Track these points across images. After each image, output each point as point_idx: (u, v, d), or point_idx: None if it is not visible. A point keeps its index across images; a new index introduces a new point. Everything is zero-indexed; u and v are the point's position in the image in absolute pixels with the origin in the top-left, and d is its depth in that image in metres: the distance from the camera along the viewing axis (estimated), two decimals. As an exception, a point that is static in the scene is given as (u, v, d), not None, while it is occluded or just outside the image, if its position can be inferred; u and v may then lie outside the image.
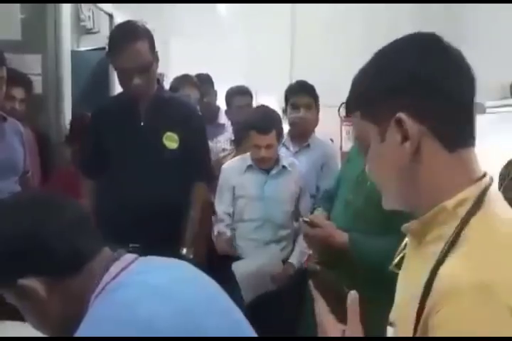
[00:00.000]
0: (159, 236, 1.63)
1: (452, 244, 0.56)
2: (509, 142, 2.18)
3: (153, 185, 1.70)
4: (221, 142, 2.51)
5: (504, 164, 1.88)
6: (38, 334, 0.79)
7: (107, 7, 2.84)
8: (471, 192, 0.59)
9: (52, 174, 2.26)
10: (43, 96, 2.39)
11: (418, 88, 0.59)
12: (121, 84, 1.72)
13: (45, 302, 0.72)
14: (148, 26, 1.78)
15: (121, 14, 2.84)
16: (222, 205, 1.96)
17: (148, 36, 1.68)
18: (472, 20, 3.63)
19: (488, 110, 2.73)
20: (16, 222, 0.73)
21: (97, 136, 1.81)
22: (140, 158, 1.73)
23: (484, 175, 0.62)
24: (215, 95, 2.87)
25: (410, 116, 0.59)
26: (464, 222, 0.57)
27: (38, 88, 2.36)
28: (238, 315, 0.81)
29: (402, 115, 0.59)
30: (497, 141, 2.49)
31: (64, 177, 2.16)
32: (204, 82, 2.76)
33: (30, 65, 2.38)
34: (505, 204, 0.62)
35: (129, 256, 0.80)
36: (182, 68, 3.01)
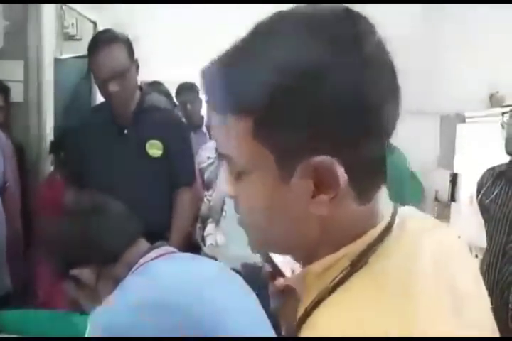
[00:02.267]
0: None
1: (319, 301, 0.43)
2: (487, 151, 2.22)
3: (138, 192, 1.68)
4: (205, 150, 2.50)
5: (482, 172, 1.91)
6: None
7: (91, 14, 2.83)
8: (346, 252, 0.45)
9: (41, 183, 2.22)
10: (24, 104, 2.36)
11: (345, 124, 0.41)
12: (99, 90, 1.72)
13: (95, 287, 0.89)
14: (134, 34, 1.78)
15: (105, 22, 2.83)
16: (213, 200, 2.09)
17: (125, 42, 1.68)
18: (452, 34, 3.72)
19: (467, 120, 2.79)
20: (72, 224, 0.93)
21: (80, 145, 1.80)
22: (124, 166, 1.72)
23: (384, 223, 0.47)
24: (200, 104, 2.87)
25: (336, 160, 0.42)
26: (339, 282, 0.43)
27: (19, 95, 2.33)
28: (262, 316, 0.90)
29: (331, 160, 0.41)
30: (476, 150, 2.54)
31: (53, 186, 2.13)
32: (189, 91, 2.78)
33: (12, 71, 2.35)
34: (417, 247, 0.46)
35: (165, 249, 0.95)
36: (168, 76, 3.01)
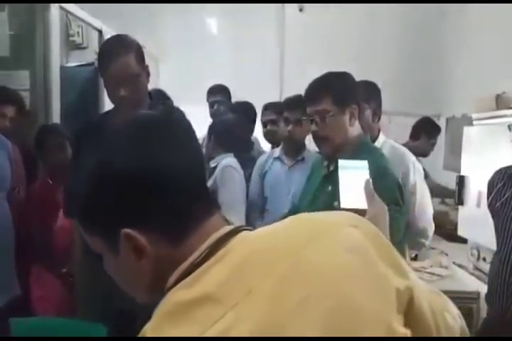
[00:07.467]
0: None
1: None
2: (495, 152, 2.21)
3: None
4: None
5: (491, 174, 1.90)
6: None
7: (97, 23, 2.85)
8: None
9: (33, 188, 2.22)
10: (32, 112, 2.38)
11: (136, 196, 0.54)
12: (109, 95, 1.73)
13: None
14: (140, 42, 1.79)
15: (111, 30, 2.85)
16: None
17: (136, 48, 1.68)
18: (458, 35, 3.72)
19: (474, 122, 2.77)
20: None
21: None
22: None
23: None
24: (227, 105, 2.90)
25: (136, 228, 0.54)
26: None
27: (26, 104, 2.35)
28: None
29: (128, 231, 0.54)
30: (483, 151, 2.53)
31: (43, 190, 2.13)
32: (218, 92, 2.89)
33: (19, 80, 2.37)
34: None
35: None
36: (173, 85, 3.02)
